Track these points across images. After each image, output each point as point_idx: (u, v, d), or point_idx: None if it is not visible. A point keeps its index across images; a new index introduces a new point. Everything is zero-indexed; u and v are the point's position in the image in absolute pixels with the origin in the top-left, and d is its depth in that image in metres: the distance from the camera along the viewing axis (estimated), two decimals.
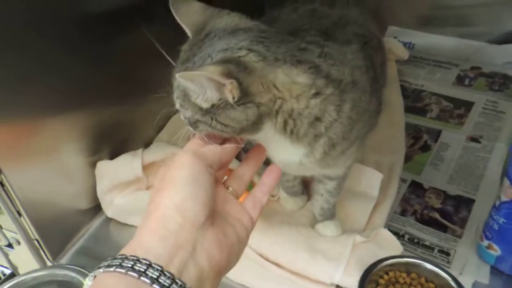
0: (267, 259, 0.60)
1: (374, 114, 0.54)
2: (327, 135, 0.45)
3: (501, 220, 0.54)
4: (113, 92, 0.71)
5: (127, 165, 0.67)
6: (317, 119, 0.44)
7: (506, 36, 0.97)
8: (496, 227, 0.55)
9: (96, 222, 0.69)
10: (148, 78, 0.79)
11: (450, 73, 0.95)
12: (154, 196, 0.37)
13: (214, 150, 0.41)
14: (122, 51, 0.71)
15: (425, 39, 1.02)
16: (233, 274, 0.58)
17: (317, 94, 0.43)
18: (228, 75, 0.38)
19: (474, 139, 0.78)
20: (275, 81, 0.41)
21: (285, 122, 0.43)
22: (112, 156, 0.70)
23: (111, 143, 0.72)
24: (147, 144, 0.78)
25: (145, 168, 0.68)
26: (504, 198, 0.53)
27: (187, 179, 0.36)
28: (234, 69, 0.39)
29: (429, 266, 0.54)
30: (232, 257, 0.38)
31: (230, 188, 0.42)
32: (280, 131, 0.44)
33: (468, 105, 0.86)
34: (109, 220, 0.69)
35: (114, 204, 0.68)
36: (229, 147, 0.42)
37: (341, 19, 0.56)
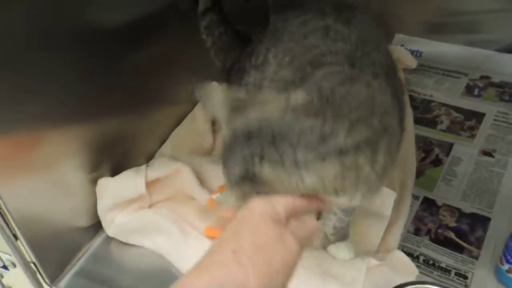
0: None
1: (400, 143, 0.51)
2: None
3: None
4: (114, 104, 0.69)
5: (130, 182, 0.64)
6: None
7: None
8: None
9: (97, 241, 0.66)
10: (149, 90, 0.76)
11: (459, 82, 0.93)
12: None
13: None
14: (123, 63, 0.68)
15: (433, 47, 0.99)
16: None
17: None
18: None
19: (487, 153, 0.76)
20: None
21: None
22: (114, 172, 0.67)
23: (112, 157, 0.69)
24: (149, 158, 0.75)
25: (148, 185, 0.65)
26: None
27: (263, 240, 0.34)
28: None
29: None
30: None
31: None
32: None
33: (478, 117, 0.84)
34: (110, 239, 0.66)
35: (115, 223, 0.65)
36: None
37: (363, 43, 0.52)
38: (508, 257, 0.54)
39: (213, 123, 0.83)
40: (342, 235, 0.60)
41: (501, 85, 0.90)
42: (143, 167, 0.66)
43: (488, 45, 0.96)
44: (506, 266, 0.55)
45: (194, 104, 0.87)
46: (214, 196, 0.59)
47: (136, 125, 0.74)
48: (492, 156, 0.75)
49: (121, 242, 0.65)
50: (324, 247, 0.61)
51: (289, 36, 0.58)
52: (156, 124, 0.80)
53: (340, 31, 0.53)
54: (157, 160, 0.71)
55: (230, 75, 0.67)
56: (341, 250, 0.59)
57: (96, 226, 0.66)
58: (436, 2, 0.99)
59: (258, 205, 0.37)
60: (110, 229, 0.65)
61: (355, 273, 0.56)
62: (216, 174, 0.66)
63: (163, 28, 0.77)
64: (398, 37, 1.02)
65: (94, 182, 0.65)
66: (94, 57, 0.62)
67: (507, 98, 0.88)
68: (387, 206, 0.64)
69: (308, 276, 0.56)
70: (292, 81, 0.51)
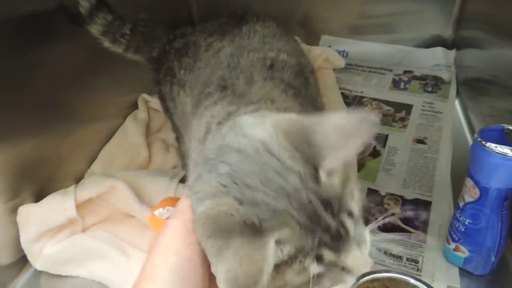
0: None
1: None
2: None
3: (467, 221, 0.53)
4: (35, 120, 0.62)
5: (58, 206, 0.57)
6: None
7: (431, 40, 1.01)
8: (462, 228, 0.54)
9: (23, 278, 0.58)
10: (69, 105, 0.70)
11: (385, 78, 0.97)
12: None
13: None
14: (36, 73, 0.61)
15: (358, 47, 1.03)
16: None
17: None
18: None
19: (419, 141, 0.79)
20: None
21: None
22: (38, 198, 0.60)
23: (33, 182, 0.62)
24: (78, 180, 0.69)
25: (80, 207, 0.59)
26: (468, 199, 0.53)
27: (173, 271, 0.31)
28: None
29: (410, 280, 0.51)
30: None
31: None
32: None
33: (407, 108, 0.88)
34: (39, 273, 0.58)
35: (44, 255, 0.57)
36: None
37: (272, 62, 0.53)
38: (454, 235, 0.56)
39: (147, 136, 0.78)
40: None
41: (423, 78, 0.96)
42: (71, 188, 0.60)
43: (407, 42, 1.02)
44: (452, 245, 0.56)
45: (124, 118, 0.82)
46: (155, 212, 0.54)
47: (58, 145, 0.67)
48: (425, 143, 0.78)
49: (52, 275, 0.58)
50: None
51: (199, 62, 0.57)
52: (82, 142, 0.73)
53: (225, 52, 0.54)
54: (87, 179, 0.65)
55: (160, 72, 0.64)
56: None
57: (21, 261, 0.58)
58: (354, 7, 1.03)
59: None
60: (38, 262, 0.57)
61: None
62: (155, 188, 0.61)
63: (84, 40, 0.72)
64: (325, 38, 1.04)
65: (14, 211, 0.57)
66: (11, 64, 0.56)
67: (430, 89, 0.93)
68: None
69: None
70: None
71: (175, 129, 0.66)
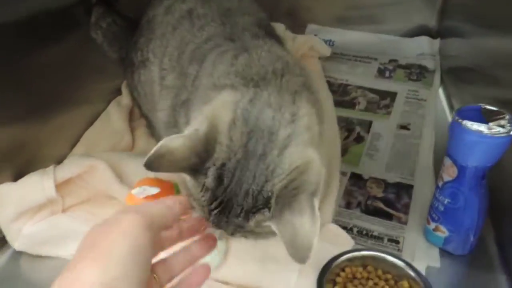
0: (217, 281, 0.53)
1: None
2: None
3: (446, 200, 0.54)
4: (16, 104, 0.61)
5: (36, 185, 0.56)
6: None
7: (416, 30, 1.02)
8: (441, 208, 0.55)
9: (2, 259, 0.57)
10: (54, 90, 0.69)
11: (371, 66, 0.98)
12: (75, 266, 0.29)
13: (162, 210, 0.34)
14: (24, 60, 0.61)
15: (343, 36, 1.03)
16: None
17: None
18: None
19: (403, 127, 0.80)
20: None
21: None
22: (16, 178, 0.59)
23: (13, 164, 0.61)
24: (59, 163, 0.68)
25: (60, 187, 0.58)
26: (447, 178, 0.53)
27: (128, 253, 0.29)
28: None
29: (388, 257, 0.52)
30: None
31: (155, 275, 0.36)
32: None
33: (392, 95, 0.88)
34: (17, 254, 0.57)
35: (23, 234, 0.56)
36: (177, 206, 0.36)
37: (229, 14, 0.57)
38: (434, 215, 0.56)
39: (131, 121, 0.78)
40: None
41: (407, 67, 0.96)
42: (51, 168, 0.59)
43: (392, 31, 1.02)
44: (432, 225, 0.57)
45: (107, 103, 0.81)
46: (133, 192, 0.54)
47: (40, 128, 0.66)
48: (408, 129, 0.79)
49: (32, 255, 0.57)
50: None
51: (160, 29, 0.59)
52: (64, 126, 0.72)
53: (203, 13, 0.56)
54: (67, 159, 0.64)
55: (125, 66, 0.64)
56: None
57: (0, 242, 0.58)
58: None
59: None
60: (17, 242, 0.56)
61: None
62: (135, 169, 0.61)
63: (70, 25, 0.71)
64: (311, 27, 1.04)
65: None
66: None
67: (414, 77, 0.93)
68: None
69: (243, 261, 0.53)
70: (181, 86, 0.53)
71: (143, 115, 0.66)
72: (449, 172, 0.53)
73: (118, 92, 0.84)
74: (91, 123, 0.77)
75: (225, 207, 0.40)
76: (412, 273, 0.50)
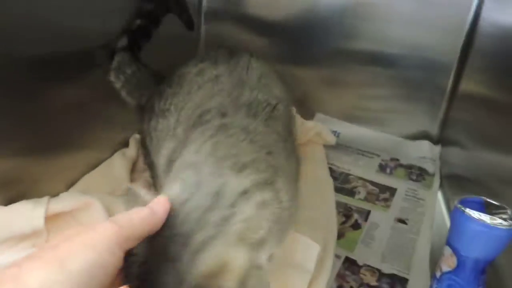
0: None
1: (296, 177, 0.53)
2: None
3: None
4: (20, 138, 0.62)
5: (26, 213, 0.55)
6: None
7: (418, 134, 1.07)
8: None
9: None
10: (61, 131, 0.70)
11: (373, 161, 1.00)
12: (24, 263, 0.27)
13: (145, 219, 0.32)
14: (39, 97, 0.63)
15: (349, 129, 1.07)
16: None
17: None
18: None
19: (401, 221, 0.79)
20: None
21: None
22: (6, 205, 0.57)
23: (6, 195, 0.59)
24: None
25: (48, 219, 0.56)
26: (445, 268, 0.52)
27: (85, 269, 0.27)
28: None
29: None
30: None
31: None
32: None
33: (391, 191, 0.89)
34: None
35: None
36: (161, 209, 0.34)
37: (240, 86, 0.56)
38: None
39: (132, 172, 0.78)
40: None
41: (408, 167, 0.98)
42: (45, 198, 0.58)
43: (396, 133, 1.07)
44: None
45: (112, 153, 0.82)
46: None
47: (40, 164, 0.66)
48: (406, 224, 0.78)
49: None
50: None
51: (187, 86, 0.60)
52: (65, 168, 0.72)
53: (222, 82, 0.57)
54: (64, 193, 0.63)
55: (144, 112, 0.66)
56: None
57: None
58: (350, 98, 1.10)
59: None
60: None
61: None
62: None
63: (89, 67, 0.74)
64: (319, 116, 1.09)
65: None
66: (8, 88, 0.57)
67: (414, 177, 0.95)
68: (311, 259, 0.62)
69: None
70: (182, 140, 0.53)
71: (149, 163, 0.67)
72: (449, 262, 0.51)
73: (125, 145, 0.85)
74: (92, 168, 0.77)
75: None
76: None
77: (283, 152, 0.48)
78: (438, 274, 0.52)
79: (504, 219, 0.48)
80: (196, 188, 0.39)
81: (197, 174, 0.40)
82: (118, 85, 0.71)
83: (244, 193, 0.39)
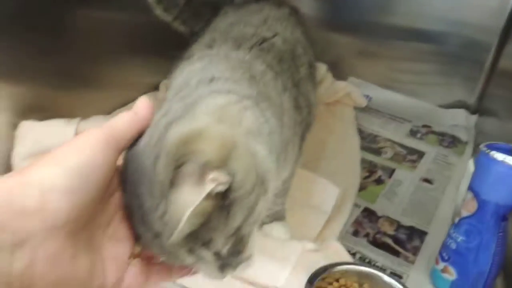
0: None
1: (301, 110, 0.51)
2: None
3: (460, 238, 0.51)
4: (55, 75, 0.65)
5: (59, 129, 0.58)
6: None
7: (454, 103, 1.03)
8: (453, 246, 0.51)
9: None
10: (96, 75, 0.73)
11: (403, 126, 0.98)
12: (23, 169, 0.28)
13: (129, 121, 0.32)
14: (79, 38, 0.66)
15: (382, 94, 1.05)
16: None
17: None
18: None
19: (426, 180, 0.77)
20: None
21: None
22: None
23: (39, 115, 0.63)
24: None
25: None
26: (465, 213, 0.50)
27: (82, 167, 0.28)
28: None
29: (385, 278, 0.48)
30: None
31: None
32: None
33: (420, 154, 0.87)
34: None
35: None
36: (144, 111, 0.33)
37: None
38: (444, 254, 0.53)
39: None
40: (277, 216, 0.56)
41: (441, 134, 0.96)
42: (77, 119, 0.61)
43: (430, 100, 1.03)
44: (441, 265, 0.53)
45: (143, 94, 0.84)
46: None
47: (74, 97, 0.69)
48: (431, 183, 0.77)
49: None
50: (259, 227, 0.56)
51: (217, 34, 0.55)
52: (96, 102, 0.74)
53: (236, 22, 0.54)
54: (95, 116, 0.66)
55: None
56: (275, 229, 0.55)
57: None
58: (384, 64, 1.07)
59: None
60: None
61: (288, 252, 0.52)
62: None
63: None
64: (351, 80, 1.07)
65: (14, 126, 0.58)
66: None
67: (446, 144, 0.92)
68: (329, 201, 0.62)
69: None
70: None
71: None
72: (469, 207, 0.50)
73: (156, 88, 0.88)
74: (122, 106, 0.79)
75: (142, 219, 0.32)
76: None
77: (272, 83, 0.45)
78: (456, 219, 0.51)
79: None
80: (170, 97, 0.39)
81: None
82: (169, 17, 0.71)
83: (211, 80, 0.38)
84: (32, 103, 0.61)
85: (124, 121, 0.32)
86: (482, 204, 0.48)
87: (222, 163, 0.30)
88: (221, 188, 0.29)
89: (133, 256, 0.34)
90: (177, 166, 0.30)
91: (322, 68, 0.98)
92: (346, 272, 0.49)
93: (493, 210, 0.48)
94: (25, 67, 0.61)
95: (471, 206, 0.50)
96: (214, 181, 0.29)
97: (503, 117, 0.84)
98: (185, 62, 0.46)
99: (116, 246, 0.33)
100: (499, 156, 0.46)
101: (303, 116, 0.51)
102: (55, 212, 0.27)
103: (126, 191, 0.32)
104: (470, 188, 0.50)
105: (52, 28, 0.65)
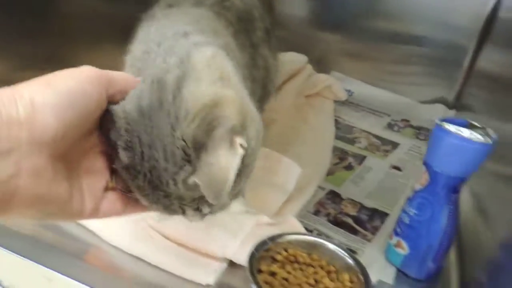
0: (155, 229, 0.51)
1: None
2: None
3: (413, 211, 0.50)
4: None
5: None
6: None
7: (433, 100, 1.04)
8: (406, 220, 0.51)
9: None
10: (81, 60, 0.74)
11: (382, 120, 0.98)
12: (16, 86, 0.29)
13: (121, 76, 0.34)
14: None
15: (363, 89, 1.06)
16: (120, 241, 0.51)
17: None
18: None
19: (396, 168, 0.77)
20: None
21: None
22: None
23: None
24: None
25: None
26: (418, 187, 0.50)
27: (70, 92, 0.30)
28: None
29: (330, 245, 0.48)
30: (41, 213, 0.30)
31: None
32: None
33: (395, 145, 0.87)
34: None
35: None
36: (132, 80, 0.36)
37: None
38: (397, 229, 0.52)
39: None
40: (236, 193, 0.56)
41: (418, 128, 0.96)
42: None
43: (410, 96, 1.04)
44: (394, 240, 0.53)
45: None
46: None
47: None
48: (400, 170, 0.77)
49: None
50: None
51: None
52: None
53: None
54: None
55: None
56: (232, 204, 0.54)
57: None
58: (368, 61, 1.08)
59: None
60: None
61: (241, 223, 0.51)
62: None
63: None
64: (334, 74, 1.08)
65: None
66: None
67: (422, 137, 0.92)
68: (291, 180, 0.62)
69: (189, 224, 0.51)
70: None
71: None
72: (421, 181, 0.50)
73: None
74: None
75: (152, 179, 0.34)
76: (356, 268, 0.46)
77: (232, 38, 0.47)
78: (411, 194, 0.51)
79: (482, 135, 0.46)
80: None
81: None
82: None
83: (185, 34, 0.39)
84: (11, 84, 0.62)
85: (120, 73, 0.35)
86: (433, 176, 0.48)
87: (243, 128, 0.35)
88: (243, 152, 0.33)
89: (108, 188, 0.36)
90: (208, 130, 0.33)
91: (302, 60, 0.99)
92: (294, 241, 0.48)
93: (444, 182, 0.48)
94: (4, 49, 0.63)
95: (424, 179, 0.50)
96: (242, 146, 0.32)
97: (479, 112, 0.85)
98: (149, 22, 0.47)
99: (91, 177, 0.34)
100: (451, 127, 0.46)
101: (261, 75, 0.52)
102: (43, 126, 0.28)
103: (127, 150, 0.34)
104: (424, 162, 0.50)
105: (34, 11, 0.66)
